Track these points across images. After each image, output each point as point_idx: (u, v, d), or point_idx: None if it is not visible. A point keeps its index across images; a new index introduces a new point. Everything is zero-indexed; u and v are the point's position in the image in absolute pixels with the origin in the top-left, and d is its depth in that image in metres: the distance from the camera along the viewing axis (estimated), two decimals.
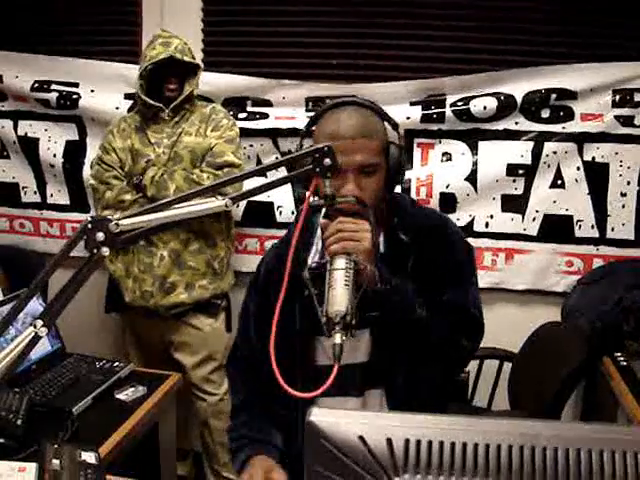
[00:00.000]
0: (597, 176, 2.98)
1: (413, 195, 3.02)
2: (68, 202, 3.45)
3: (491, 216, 3.06)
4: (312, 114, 1.70)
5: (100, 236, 1.22)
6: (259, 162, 3.19)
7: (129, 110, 3.17)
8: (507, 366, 2.79)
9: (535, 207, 3.04)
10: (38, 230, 3.54)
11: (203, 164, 2.78)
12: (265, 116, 3.16)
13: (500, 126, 2.99)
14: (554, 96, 2.94)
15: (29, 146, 3.42)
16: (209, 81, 3.04)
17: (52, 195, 3.46)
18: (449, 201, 3.06)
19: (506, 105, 2.96)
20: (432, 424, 0.75)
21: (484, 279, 3.03)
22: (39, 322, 1.23)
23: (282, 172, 3.16)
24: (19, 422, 1.92)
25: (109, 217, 1.23)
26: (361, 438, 0.73)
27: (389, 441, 0.73)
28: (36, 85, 3.30)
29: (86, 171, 3.27)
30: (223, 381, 3.02)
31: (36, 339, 1.23)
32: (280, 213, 3.21)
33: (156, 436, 2.50)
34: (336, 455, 0.73)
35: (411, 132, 3.05)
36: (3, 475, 1.62)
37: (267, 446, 1.71)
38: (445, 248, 1.70)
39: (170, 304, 2.82)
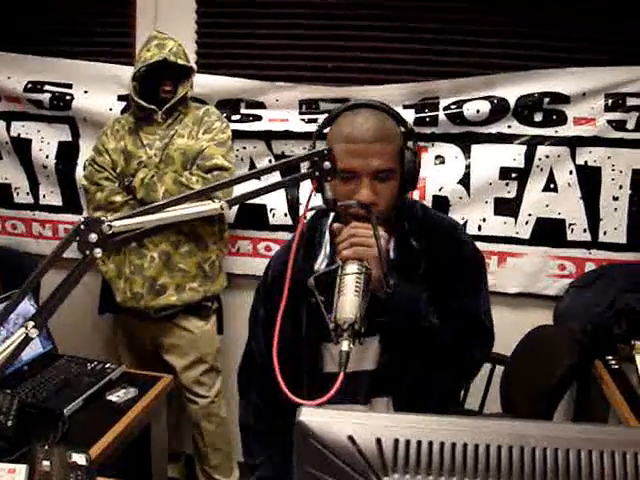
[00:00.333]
0: (589, 180, 2.99)
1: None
2: (61, 203, 3.44)
3: (484, 219, 3.07)
4: (325, 115, 1.68)
5: (93, 237, 1.22)
6: (252, 164, 3.19)
7: (122, 111, 3.16)
8: (499, 369, 2.78)
9: (528, 210, 3.04)
10: (30, 231, 3.52)
11: (194, 167, 2.78)
12: (258, 118, 3.16)
13: (493, 129, 3.00)
14: (547, 100, 2.95)
15: (22, 147, 3.41)
16: (203, 83, 3.03)
17: (45, 196, 3.45)
18: (442, 204, 3.06)
19: (499, 109, 2.97)
20: (422, 424, 0.75)
21: None
22: (30, 323, 1.22)
23: (276, 174, 3.20)
24: (9, 423, 1.92)
25: (102, 218, 1.22)
26: (350, 438, 0.73)
27: (378, 441, 0.73)
28: (29, 86, 3.29)
29: (79, 172, 3.26)
30: (214, 383, 3.02)
31: (27, 340, 1.23)
32: (273, 215, 3.21)
33: (147, 438, 2.49)
34: (325, 455, 0.73)
35: None
36: None
37: None
38: (456, 255, 1.68)
39: (160, 306, 2.82)
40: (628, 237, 3.00)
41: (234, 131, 2.95)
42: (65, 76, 3.27)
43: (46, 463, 1.68)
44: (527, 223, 3.05)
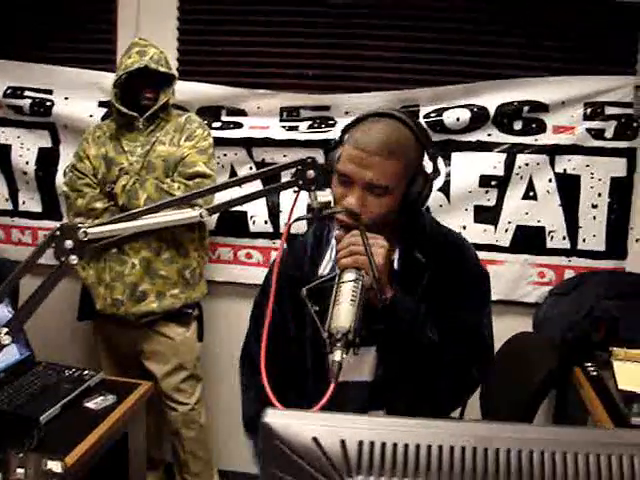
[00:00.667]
0: (569, 188, 3.02)
1: None
2: (40, 210, 3.42)
3: (464, 227, 3.07)
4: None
5: (69, 244, 1.21)
6: (233, 171, 3.19)
7: (103, 118, 3.16)
8: None
9: (507, 218, 3.06)
10: (9, 238, 3.50)
11: (175, 174, 2.78)
12: (239, 125, 3.16)
13: (473, 138, 3.02)
14: (526, 108, 2.97)
15: (1, 153, 3.39)
16: (184, 90, 3.03)
17: (24, 202, 3.43)
18: None
19: (479, 117, 2.99)
20: (387, 426, 0.75)
21: None
22: (4, 330, 1.22)
23: (257, 182, 3.20)
24: None
25: (79, 225, 1.22)
26: (315, 439, 0.73)
27: (343, 442, 0.73)
28: (9, 91, 3.28)
29: (59, 179, 3.25)
30: (194, 390, 3.01)
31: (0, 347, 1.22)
32: (254, 222, 3.21)
33: (126, 446, 2.48)
34: (290, 457, 0.73)
35: None
36: None
37: None
38: (461, 271, 1.65)
39: (141, 312, 2.81)
40: (607, 245, 3.03)
41: (215, 138, 2.94)
42: (46, 82, 3.26)
43: (20, 471, 1.67)
44: (507, 231, 3.07)
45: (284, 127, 3.13)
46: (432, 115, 3.00)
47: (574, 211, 3.03)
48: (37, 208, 3.43)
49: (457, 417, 2.74)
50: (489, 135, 3.01)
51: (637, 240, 3.04)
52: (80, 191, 2.82)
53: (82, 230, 1.21)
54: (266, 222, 3.19)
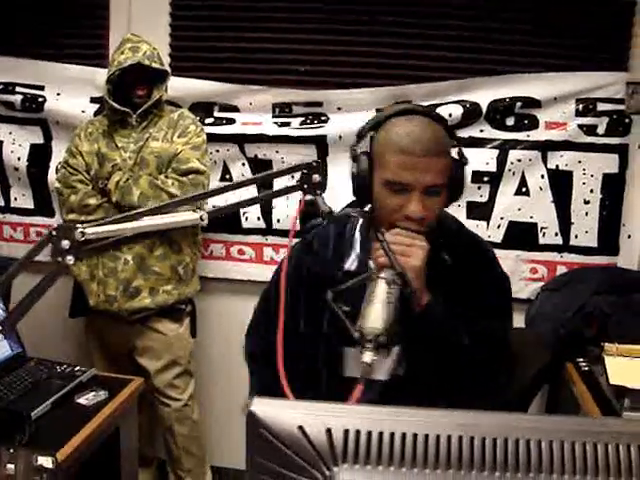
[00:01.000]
0: (561, 184, 3.01)
1: None
2: (32, 206, 3.41)
3: None
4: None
5: (65, 244, 1.20)
6: (225, 167, 3.18)
7: (95, 114, 3.15)
8: None
9: (500, 214, 3.06)
10: (1, 234, 3.48)
11: (169, 170, 2.77)
12: (232, 121, 3.15)
13: (465, 134, 3.01)
14: (519, 104, 2.97)
15: None
16: (176, 86, 3.02)
17: (16, 199, 3.42)
18: None
19: (471, 113, 2.99)
20: (372, 414, 0.75)
21: None
22: None
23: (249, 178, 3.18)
24: None
25: (76, 225, 1.20)
26: (300, 428, 0.73)
27: (328, 431, 0.73)
28: (0, 87, 3.27)
29: (51, 175, 3.25)
30: (187, 386, 3.01)
31: None
32: (246, 219, 3.20)
33: (118, 442, 2.47)
34: (276, 445, 0.73)
35: None
36: None
37: None
38: (488, 275, 1.64)
39: (134, 308, 2.80)
40: (599, 240, 3.03)
41: (207, 134, 2.93)
42: (37, 78, 3.24)
43: (10, 466, 1.67)
44: (499, 227, 3.07)
45: (276, 123, 3.12)
46: None
47: (566, 207, 3.03)
48: (29, 205, 3.41)
49: None
50: (481, 131, 3.01)
51: (629, 236, 3.04)
52: (73, 187, 2.81)
53: (79, 230, 1.20)
54: (259, 219, 3.19)
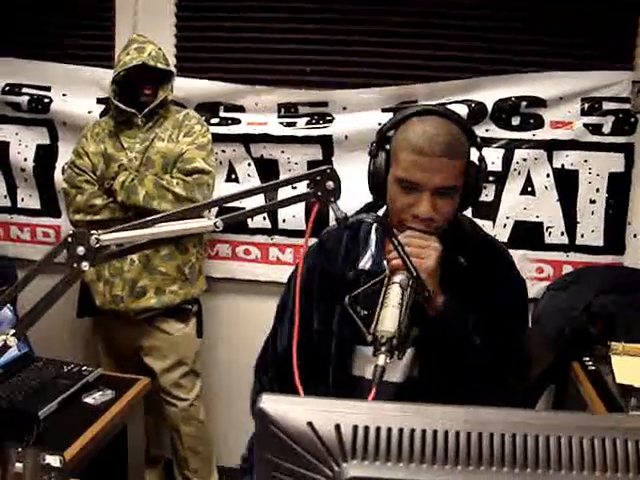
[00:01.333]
0: (567, 183, 3.01)
1: None
2: (39, 207, 3.42)
3: None
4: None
5: (81, 250, 1.20)
6: (231, 167, 3.19)
7: (101, 114, 3.16)
8: None
9: (506, 214, 3.06)
10: (8, 235, 3.50)
11: (174, 170, 2.78)
12: (237, 122, 3.16)
13: None
14: (524, 104, 2.97)
15: None
16: (182, 86, 3.03)
17: (23, 200, 3.43)
18: None
19: (477, 112, 2.98)
20: (381, 410, 0.75)
21: None
22: (11, 331, 1.22)
23: (255, 180, 3.19)
24: None
25: (91, 232, 1.21)
26: (310, 424, 0.73)
27: (337, 427, 0.73)
28: (7, 88, 3.28)
29: (57, 175, 3.26)
30: (193, 386, 3.01)
31: (4, 348, 1.22)
32: (252, 219, 3.20)
33: (124, 442, 2.48)
34: (285, 441, 0.73)
35: None
36: None
37: None
38: (505, 278, 1.61)
39: (140, 308, 2.81)
40: (605, 240, 3.03)
41: (213, 134, 2.94)
42: (43, 79, 3.26)
43: (19, 465, 1.67)
44: (505, 226, 3.07)
45: (282, 123, 3.13)
46: None
47: (572, 206, 3.02)
48: (35, 205, 3.43)
49: None
50: (487, 131, 3.01)
51: (635, 235, 3.04)
52: (79, 188, 2.82)
53: (94, 237, 1.20)
54: (264, 218, 3.19)
